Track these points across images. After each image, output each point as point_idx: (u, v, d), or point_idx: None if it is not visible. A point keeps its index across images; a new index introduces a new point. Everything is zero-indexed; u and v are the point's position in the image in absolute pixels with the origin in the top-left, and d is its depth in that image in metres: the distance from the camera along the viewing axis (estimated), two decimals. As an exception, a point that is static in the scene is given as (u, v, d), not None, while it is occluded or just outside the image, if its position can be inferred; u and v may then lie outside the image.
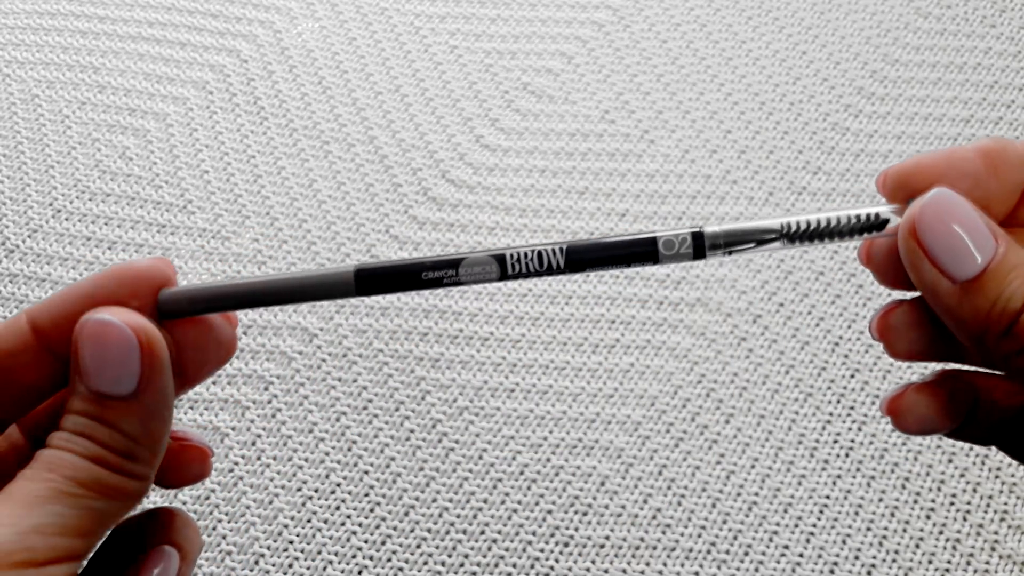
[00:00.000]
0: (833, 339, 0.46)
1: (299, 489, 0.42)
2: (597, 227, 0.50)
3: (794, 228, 0.22)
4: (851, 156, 0.52)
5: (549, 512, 0.41)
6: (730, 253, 0.22)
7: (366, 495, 0.42)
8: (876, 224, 0.21)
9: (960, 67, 0.56)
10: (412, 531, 0.41)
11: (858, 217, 0.21)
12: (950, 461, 0.42)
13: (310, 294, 0.22)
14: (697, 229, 0.22)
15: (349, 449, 0.43)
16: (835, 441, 0.43)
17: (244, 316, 0.47)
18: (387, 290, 0.22)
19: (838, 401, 0.44)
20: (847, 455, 0.42)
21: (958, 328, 0.20)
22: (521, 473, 0.42)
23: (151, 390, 0.20)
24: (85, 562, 0.19)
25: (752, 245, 0.22)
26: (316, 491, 0.42)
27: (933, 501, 0.41)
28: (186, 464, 0.23)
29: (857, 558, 0.40)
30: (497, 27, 0.59)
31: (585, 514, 0.41)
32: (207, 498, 0.42)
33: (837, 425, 0.43)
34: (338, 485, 0.42)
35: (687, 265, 0.48)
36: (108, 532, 0.19)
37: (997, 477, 0.42)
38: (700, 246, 0.22)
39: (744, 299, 0.47)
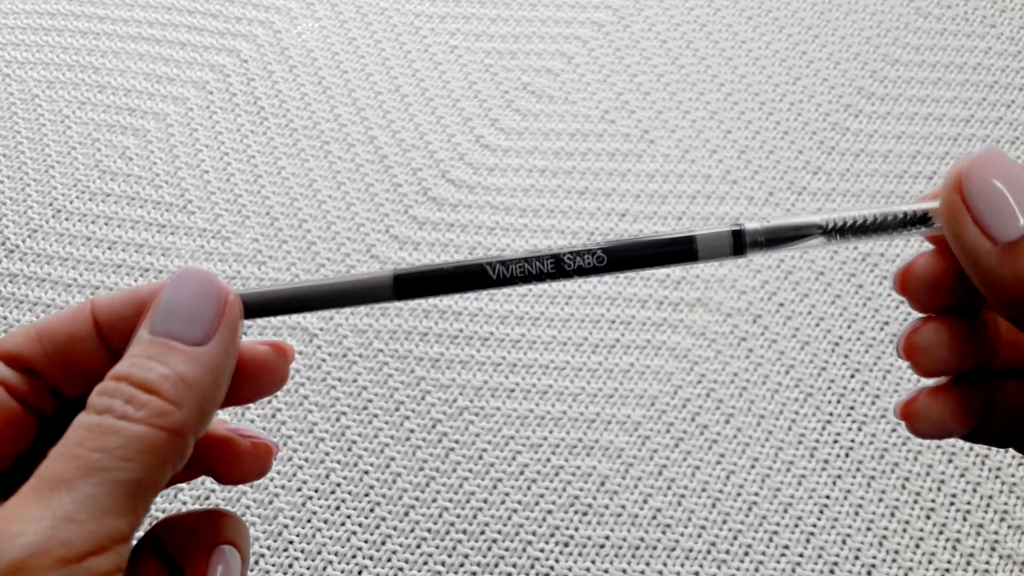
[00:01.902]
0: (833, 339, 0.46)
1: (299, 489, 0.42)
2: (597, 227, 0.50)
3: (837, 224, 0.21)
4: (851, 156, 0.52)
5: (549, 512, 0.41)
6: (771, 250, 0.21)
7: (366, 495, 0.42)
8: (920, 219, 0.21)
9: (960, 67, 0.56)
10: (412, 531, 0.41)
11: (904, 214, 0.21)
12: (950, 461, 0.42)
13: (352, 299, 0.22)
14: (738, 226, 0.21)
15: (349, 449, 0.43)
16: (835, 441, 0.43)
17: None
18: (428, 293, 0.22)
19: (838, 401, 0.44)
20: (847, 455, 0.42)
21: (994, 293, 0.19)
22: (521, 473, 0.42)
23: (220, 343, 0.19)
24: (134, 541, 0.18)
25: (793, 242, 0.21)
26: (316, 491, 0.42)
27: (933, 501, 0.41)
28: (255, 460, 0.23)
29: (857, 558, 0.40)
30: (497, 27, 0.59)
31: (585, 514, 0.41)
32: (207, 498, 0.42)
33: (837, 425, 0.43)
34: (338, 485, 0.42)
35: (687, 265, 0.48)
36: (151, 505, 0.18)
37: (997, 477, 0.42)
38: (740, 243, 0.21)
39: (744, 299, 0.47)
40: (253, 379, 0.22)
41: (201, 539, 0.22)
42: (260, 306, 0.22)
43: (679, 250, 0.21)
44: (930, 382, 0.23)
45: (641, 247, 0.22)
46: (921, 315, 0.23)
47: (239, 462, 0.23)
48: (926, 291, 0.22)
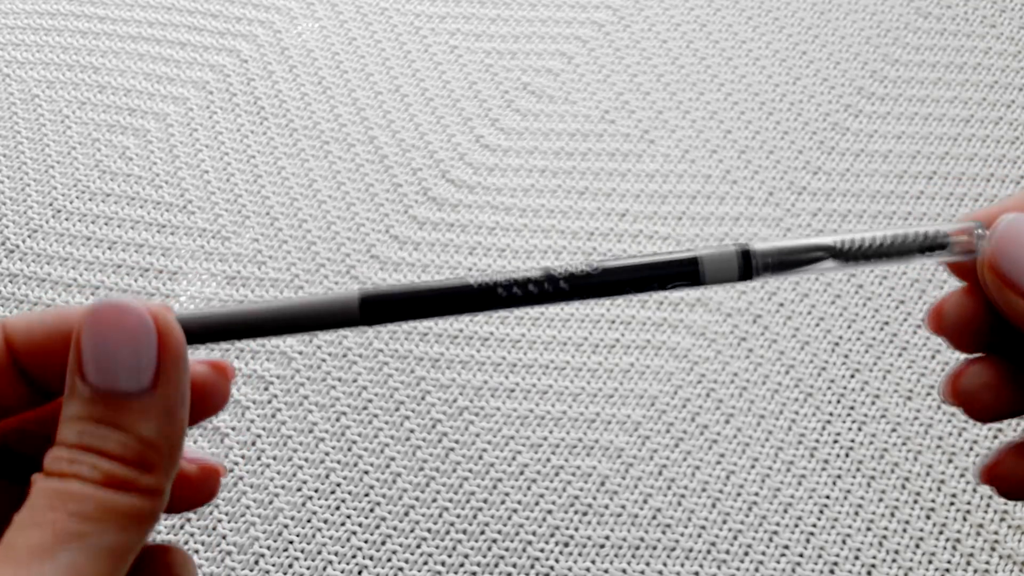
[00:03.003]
0: (833, 339, 0.46)
1: (299, 489, 0.42)
2: (597, 227, 0.50)
3: (849, 246, 0.20)
4: (851, 156, 0.52)
5: (549, 512, 0.41)
6: (779, 273, 0.20)
7: (366, 495, 0.42)
8: (937, 244, 0.20)
9: (960, 67, 0.56)
10: (412, 531, 0.41)
11: (919, 236, 0.20)
12: (950, 461, 0.42)
13: (312, 323, 0.19)
14: (744, 247, 0.20)
15: (349, 449, 0.43)
16: (835, 441, 0.43)
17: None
18: (397, 318, 0.20)
19: (838, 401, 0.44)
20: (847, 455, 0.42)
21: None
22: (521, 473, 0.42)
23: (169, 384, 0.17)
24: None
25: (803, 265, 0.20)
26: (316, 491, 0.42)
27: (933, 501, 0.41)
28: (202, 485, 0.21)
29: (857, 558, 0.40)
30: (497, 27, 0.59)
31: (585, 514, 0.41)
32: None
33: (837, 425, 0.43)
34: (338, 485, 0.42)
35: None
36: (127, 570, 0.17)
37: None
38: (748, 266, 0.20)
39: (744, 299, 0.47)
40: (192, 404, 0.19)
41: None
42: (201, 332, 0.19)
43: (681, 272, 0.20)
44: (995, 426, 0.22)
45: (640, 268, 0.20)
46: (963, 356, 0.21)
47: (185, 489, 0.21)
48: (961, 333, 0.21)
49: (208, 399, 0.20)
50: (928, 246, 0.20)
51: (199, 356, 0.20)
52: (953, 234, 0.20)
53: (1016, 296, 0.18)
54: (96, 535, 0.16)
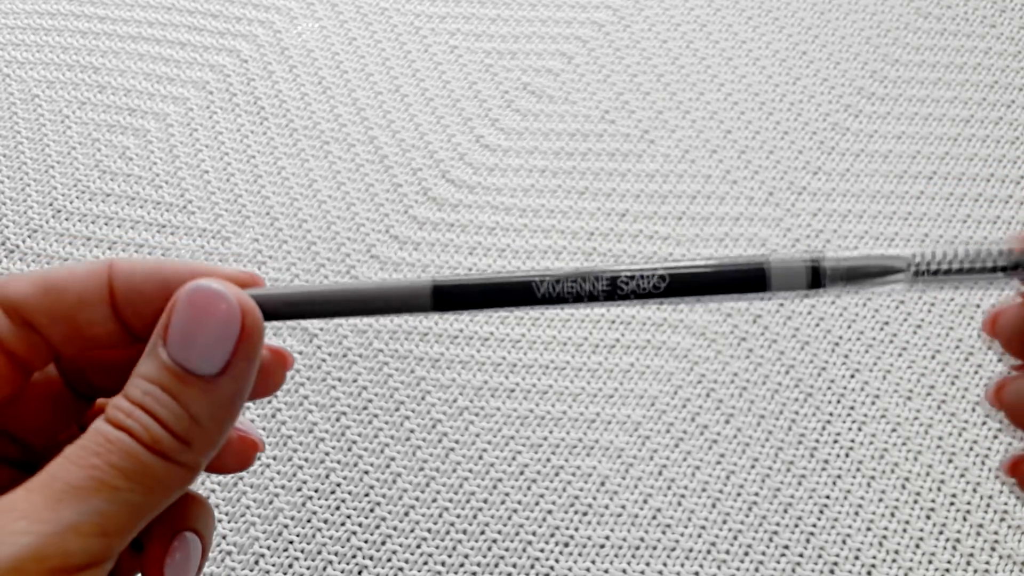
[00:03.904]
0: (833, 339, 0.46)
1: (299, 489, 0.42)
2: (597, 227, 0.50)
3: (928, 262, 0.19)
4: (851, 156, 0.52)
5: (549, 512, 0.41)
6: (850, 286, 0.19)
7: (366, 495, 0.42)
8: (1021, 266, 0.18)
9: (960, 67, 0.56)
10: (412, 531, 0.41)
11: (1003, 253, 0.18)
12: (950, 461, 0.42)
13: (387, 307, 0.20)
14: (815, 259, 0.19)
15: (349, 449, 0.43)
16: (835, 441, 0.43)
17: (244, 316, 0.47)
18: (466, 307, 0.20)
19: (838, 401, 0.44)
20: (847, 455, 0.42)
21: None
22: (521, 473, 0.42)
23: (235, 375, 0.18)
24: (112, 565, 0.17)
25: (876, 278, 0.19)
26: (316, 491, 0.42)
27: (933, 501, 0.41)
28: (238, 454, 0.22)
29: (857, 558, 0.40)
30: (497, 27, 0.59)
31: (585, 514, 0.41)
32: (207, 498, 0.42)
33: (837, 425, 0.43)
34: (338, 485, 0.42)
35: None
36: (140, 530, 0.18)
37: (997, 477, 0.42)
38: (818, 277, 0.19)
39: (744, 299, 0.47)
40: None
41: (165, 522, 0.21)
42: (280, 309, 0.20)
43: (748, 278, 0.19)
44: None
45: (706, 274, 0.19)
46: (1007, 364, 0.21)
47: (223, 454, 0.22)
48: (1017, 337, 0.20)
49: (262, 382, 0.21)
50: (1013, 264, 0.18)
51: (266, 341, 0.21)
52: None
53: None
54: (127, 491, 0.17)
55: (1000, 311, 0.20)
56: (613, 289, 0.20)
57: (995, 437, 0.43)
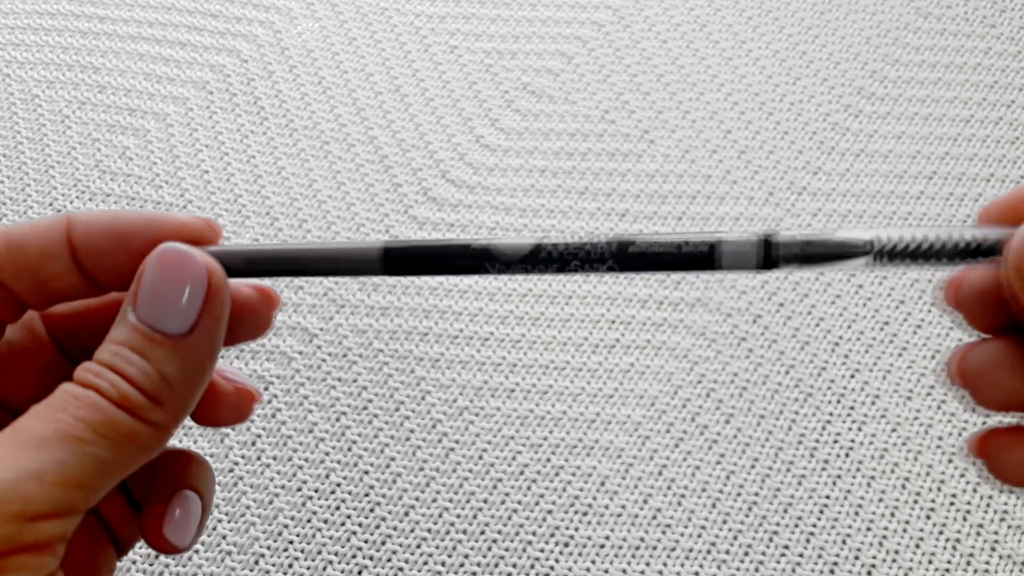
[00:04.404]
0: (833, 339, 0.46)
1: (299, 489, 0.42)
2: (597, 227, 0.50)
3: (887, 245, 0.18)
4: (851, 156, 0.52)
5: (549, 512, 0.41)
6: (806, 267, 0.18)
7: (366, 495, 0.42)
8: (984, 250, 0.18)
9: (960, 67, 0.56)
10: (412, 531, 0.41)
11: (966, 241, 0.18)
12: (950, 461, 0.42)
13: (339, 268, 0.20)
14: (766, 234, 0.19)
15: (349, 449, 0.43)
16: (835, 441, 0.43)
17: (244, 316, 0.47)
18: (417, 271, 0.20)
19: (838, 401, 0.44)
20: (847, 455, 0.42)
21: None
22: (521, 473, 0.42)
23: (203, 334, 0.19)
24: (79, 520, 0.17)
25: (833, 261, 0.18)
26: (316, 491, 0.42)
27: (933, 501, 0.41)
28: (235, 405, 0.22)
29: (857, 558, 0.40)
30: (497, 27, 0.59)
31: (585, 514, 0.41)
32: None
33: (837, 425, 0.43)
34: (338, 485, 0.42)
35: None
36: (110, 487, 0.18)
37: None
38: (770, 255, 0.18)
39: (744, 299, 0.47)
40: (234, 324, 0.21)
41: (163, 480, 0.21)
42: (240, 266, 0.20)
43: (698, 255, 0.19)
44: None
45: (657, 252, 0.19)
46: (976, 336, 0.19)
47: (218, 406, 0.22)
48: (980, 307, 0.19)
49: (249, 322, 0.21)
50: (974, 252, 0.18)
51: (251, 280, 0.21)
52: (1003, 241, 0.18)
53: None
54: (92, 444, 0.17)
55: (962, 278, 0.19)
56: (564, 260, 0.20)
57: (995, 437, 0.43)
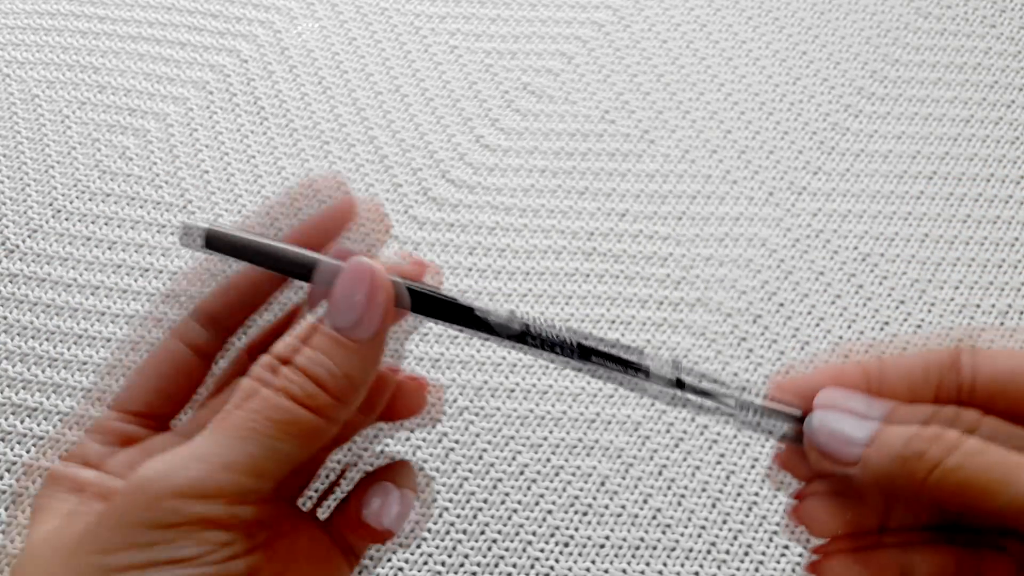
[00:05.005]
0: (833, 339, 0.46)
1: (299, 489, 0.42)
2: (597, 227, 0.50)
3: (744, 404, 0.22)
4: (851, 156, 0.52)
5: (549, 512, 0.41)
6: (689, 393, 0.22)
7: (366, 495, 0.42)
8: (790, 436, 0.22)
9: (960, 67, 0.56)
10: (412, 531, 0.41)
11: (761, 409, 0.22)
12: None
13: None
14: (677, 374, 0.22)
15: (349, 449, 0.43)
16: (835, 441, 0.43)
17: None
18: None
19: (838, 401, 0.44)
20: (847, 455, 0.42)
21: (870, 489, 0.22)
22: (521, 473, 0.42)
23: (380, 340, 0.21)
24: (257, 502, 0.20)
25: (710, 403, 0.22)
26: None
27: (933, 501, 0.41)
28: (411, 394, 0.25)
29: (857, 558, 0.40)
30: (497, 27, 0.59)
31: (585, 514, 0.41)
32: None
33: (837, 425, 0.43)
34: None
35: (687, 264, 0.48)
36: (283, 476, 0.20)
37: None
38: (680, 383, 0.22)
39: (744, 299, 0.47)
40: (392, 404, 0.24)
41: (366, 477, 0.24)
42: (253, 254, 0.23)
43: (636, 367, 0.22)
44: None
45: (608, 358, 0.22)
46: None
47: (399, 396, 0.25)
48: (800, 467, 0.23)
49: (406, 400, 0.25)
50: (774, 413, 0.22)
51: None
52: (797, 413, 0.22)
53: (838, 466, 0.21)
54: (278, 440, 0.20)
55: (783, 456, 0.23)
56: (543, 343, 0.23)
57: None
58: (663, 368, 0.22)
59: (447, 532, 0.41)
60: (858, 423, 0.21)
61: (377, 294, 0.21)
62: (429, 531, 0.41)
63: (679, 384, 0.22)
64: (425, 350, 0.45)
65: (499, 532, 0.41)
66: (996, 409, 0.21)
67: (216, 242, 0.22)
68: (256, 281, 0.23)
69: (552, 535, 0.41)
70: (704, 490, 0.42)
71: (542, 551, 0.40)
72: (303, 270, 0.22)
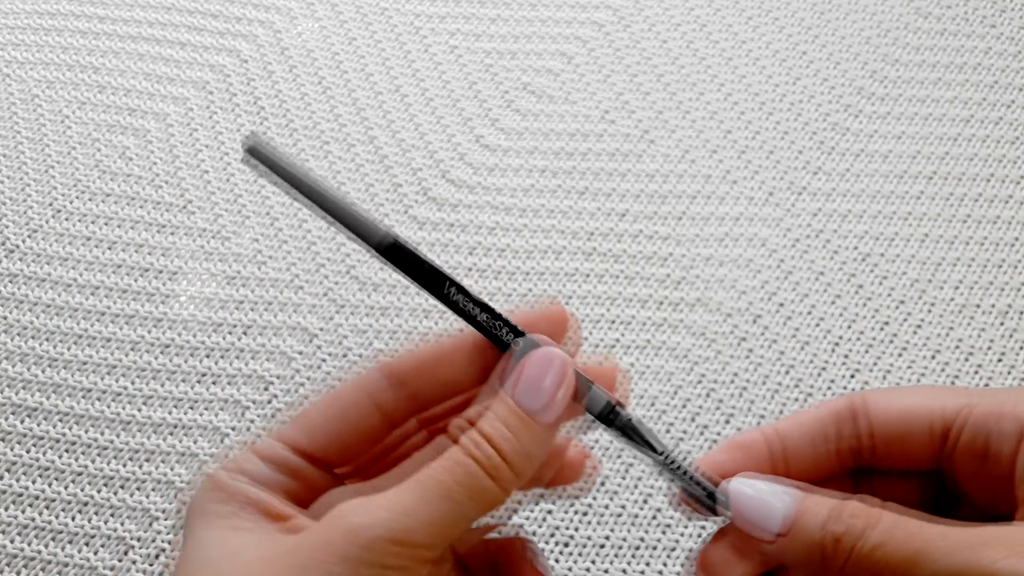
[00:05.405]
0: (833, 339, 0.46)
1: (299, 489, 0.42)
2: (597, 227, 0.50)
3: (669, 460, 0.24)
4: (851, 156, 0.52)
5: (549, 512, 0.41)
6: (617, 435, 0.24)
7: (366, 495, 0.42)
8: (709, 500, 0.24)
9: (960, 67, 0.56)
10: None
11: (701, 486, 0.24)
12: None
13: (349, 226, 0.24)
14: (616, 410, 0.24)
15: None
16: (835, 441, 0.43)
17: (244, 316, 0.47)
18: (407, 271, 0.23)
19: (838, 401, 0.44)
20: (847, 455, 0.42)
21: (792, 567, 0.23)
22: (521, 473, 0.42)
23: (558, 425, 0.23)
24: (434, 556, 0.21)
25: (640, 445, 0.24)
26: (316, 491, 0.42)
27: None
28: (574, 466, 0.26)
29: (857, 558, 0.40)
30: (497, 27, 0.59)
31: (585, 514, 0.41)
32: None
33: (837, 425, 0.43)
34: (338, 485, 0.42)
35: (687, 264, 0.48)
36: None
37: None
38: (611, 417, 0.24)
39: (744, 299, 0.47)
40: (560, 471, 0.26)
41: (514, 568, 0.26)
42: (295, 181, 0.24)
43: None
44: None
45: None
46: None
47: (562, 465, 0.26)
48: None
49: (567, 470, 0.26)
50: (703, 499, 0.24)
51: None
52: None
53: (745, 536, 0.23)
54: (462, 502, 0.21)
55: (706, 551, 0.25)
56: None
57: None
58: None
59: (447, 532, 0.41)
60: (770, 511, 0.23)
61: (563, 385, 0.22)
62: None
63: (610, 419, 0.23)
64: (425, 350, 0.45)
65: (499, 532, 0.41)
66: (894, 452, 0.23)
67: (270, 164, 0.24)
68: (450, 357, 0.24)
69: (552, 535, 0.41)
70: (704, 490, 0.42)
71: (542, 551, 0.40)
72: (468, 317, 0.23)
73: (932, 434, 0.23)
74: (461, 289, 0.23)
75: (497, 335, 0.23)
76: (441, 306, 0.24)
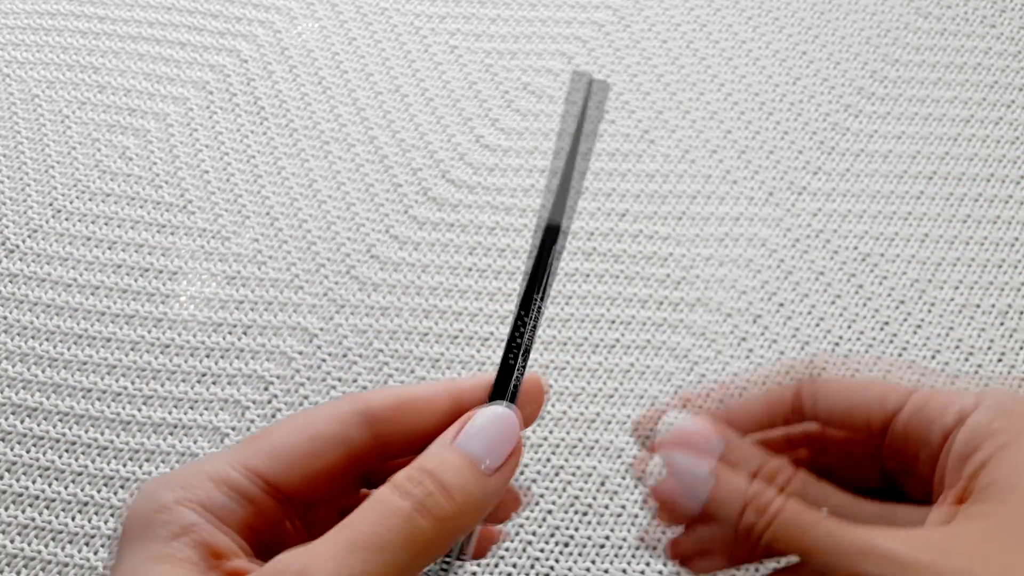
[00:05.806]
0: (833, 339, 0.46)
1: (299, 489, 0.42)
2: (597, 227, 0.50)
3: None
4: (851, 156, 0.52)
5: (549, 512, 0.41)
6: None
7: (366, 495, 0.42)
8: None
9: (960, 67, 0.56)
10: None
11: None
12: (950, 461, 0.42)
13: None
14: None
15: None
16: (835, 441, 0.43)
17: (244, 316, 0.47)
18: (538, 257, 0.25)
19: (838, 401, 0.44)
20: (847, 455, 0.42)
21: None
22: (521, 473, 0.42)
23: (505, 475, 0.23)
24: None
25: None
26: (316, 491, 0.42)
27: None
28: (509, 508, 0.27)
29: (857, 558, 0.40)
30: (497, 27, 0.59)
31: (585, 514, 0.41)
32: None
33: (837, 425, 0.43)
34: (338, 485, 0.42)
35: (687, 264, 0.48)
36: None
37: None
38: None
39: (744, 299, 0.47)
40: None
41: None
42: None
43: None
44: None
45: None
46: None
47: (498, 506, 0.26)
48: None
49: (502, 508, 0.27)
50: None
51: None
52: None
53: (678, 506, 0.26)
54: (402, 552, 0.21)
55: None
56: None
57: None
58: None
59: (447, 532, 0.41)
60: (698, 460, 0.25)
61: (509, 437, 0.23)
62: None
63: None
64: (425, 350, 0.45)
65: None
66: (838, 438, 0.25)
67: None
68: (427, 406, 0.24)
69: (552, 535, 0.41)
70: (704, 490, 0.42)
71: (542, 551, 0.40)
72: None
73: (872, 428, 0.25)
74: (537, 315, 0.25)
75: (503, 383, 0.24)
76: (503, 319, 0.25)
